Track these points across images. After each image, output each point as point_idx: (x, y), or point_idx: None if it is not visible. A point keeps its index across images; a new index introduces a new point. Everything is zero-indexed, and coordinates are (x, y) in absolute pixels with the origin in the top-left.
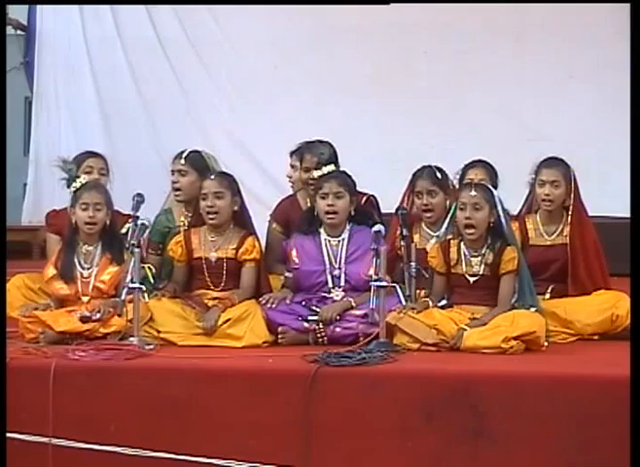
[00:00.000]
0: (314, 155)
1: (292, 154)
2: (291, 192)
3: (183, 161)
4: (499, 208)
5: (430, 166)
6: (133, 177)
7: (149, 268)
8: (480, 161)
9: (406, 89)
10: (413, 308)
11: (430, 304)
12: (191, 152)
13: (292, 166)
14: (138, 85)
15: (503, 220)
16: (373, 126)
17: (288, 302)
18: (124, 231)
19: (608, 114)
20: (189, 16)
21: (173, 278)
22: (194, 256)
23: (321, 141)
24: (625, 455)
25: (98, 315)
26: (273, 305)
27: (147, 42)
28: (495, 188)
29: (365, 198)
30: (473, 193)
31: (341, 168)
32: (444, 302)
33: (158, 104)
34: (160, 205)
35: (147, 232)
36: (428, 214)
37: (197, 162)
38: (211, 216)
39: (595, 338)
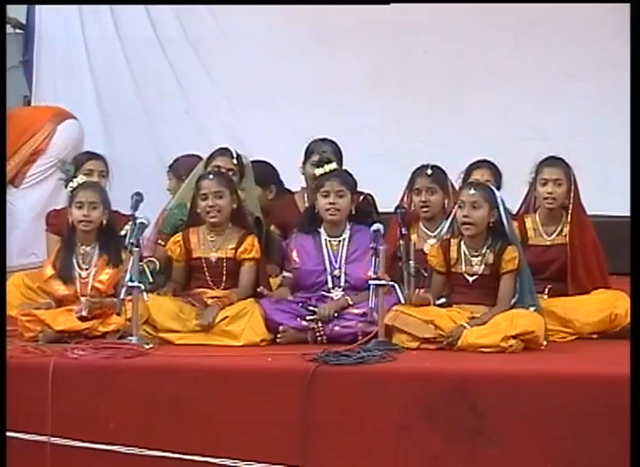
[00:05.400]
0: (317, 153)
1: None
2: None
3: (236, 161)
4: (500, 208)
5: (429, 165)
6: (132, 176)
7: (150, 262)
8: (484, 161)
9: (405, 88)
10: (411, 302)
11: (430, 298)
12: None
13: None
14: (137, 84)
15: (505, 220)
16: (372, 125)
17: (290, 297)
18: (123, 232)
19: (607, 113)
20: (188, 15)
21: (172, 278)
22: (192, 256)
23: (325, 139)
24: (625, 454)
25: (84, 313)
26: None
27: (146, 41)
28: (499, 188)
29: (362, 197)
30: (472, 191)
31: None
32: (442, 299)
33: (157, 103)
34: (160, 204)
35: (145, 231)
36: (425, 209)
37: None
38: (212, 215)
39: (594, 337)
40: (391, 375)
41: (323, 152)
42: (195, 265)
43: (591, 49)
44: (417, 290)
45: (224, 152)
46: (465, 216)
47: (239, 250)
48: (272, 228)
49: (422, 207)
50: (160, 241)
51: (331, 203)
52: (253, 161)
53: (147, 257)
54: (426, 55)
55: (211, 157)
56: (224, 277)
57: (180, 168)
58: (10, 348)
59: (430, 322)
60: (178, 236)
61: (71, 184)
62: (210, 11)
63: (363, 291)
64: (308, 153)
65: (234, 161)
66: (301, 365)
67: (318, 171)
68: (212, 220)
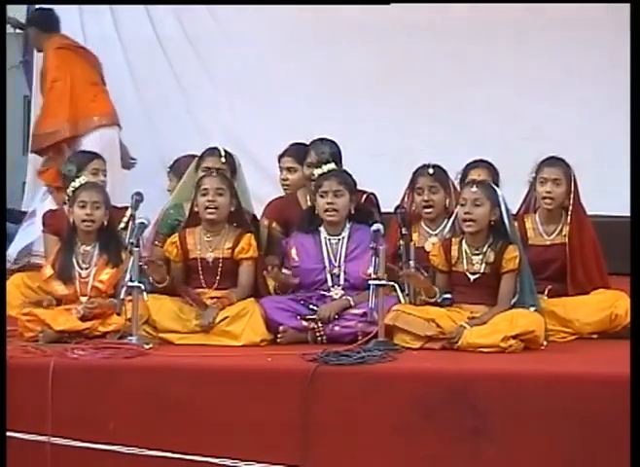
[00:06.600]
0: (315, 152)
1: (282, 156)
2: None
3: (224, 160)
4: (502, 207)
5: (430, 164)
6: (132, 176)
7: (150, 262)
8: (482, 160)
9: (405, 88)
10: (415, 301)
11: (437, 290)
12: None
13: (288, 169)
14: (137, 84)
15: (506, 219)
16: (372, 125)
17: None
18: (122, 225)
19: (606, 113)
20: (188, 15)
21: (172, 277)
22: (189, 256)
23: (324, 139)
24: (624, 454)
25: (81, 312)
26: (282, 277)
27: (146, 41)
28: None
29: (365, 196)
30: (474, 189)
31: (342, 167)
32: (448, 295)
33: (156, 103)
34: (160, 204)
35: (145, 230)
36: (428, 210)
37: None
38: (210, 211)
39: (594, 337)
40: (391, 375)
41: (322, 153)
42: (191, 265)
43: (591, 49)
44: (417, 290)
45: (212, 152)
46: (466, 213)
47: (237, 249)
48: (274, 225)
49: (425, 207)
50: (156, 242)
51: (329, 203)
52: (297, 143)
53: (145, 257)
54: (426, 55)
55: (201, 157)
56: (217, 277)
57: (181, 168)
58: (10, 348)
59: (431, 320)
60: (175, 237)
61: (73, 184)
62: (210, 11)
63: (362, 289)
64: (306, 153)
65: (222, 160)
66: (301, 365)
67: (317, 171)
68: (210, 216)
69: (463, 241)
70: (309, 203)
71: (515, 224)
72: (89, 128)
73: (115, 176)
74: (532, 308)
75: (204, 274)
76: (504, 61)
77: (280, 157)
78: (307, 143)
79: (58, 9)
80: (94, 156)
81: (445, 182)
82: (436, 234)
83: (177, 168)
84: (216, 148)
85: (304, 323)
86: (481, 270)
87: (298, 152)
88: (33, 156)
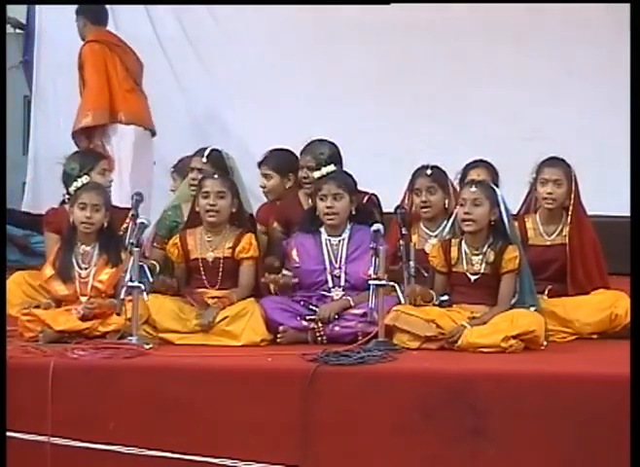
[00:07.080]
0: (312, 154)
1: (260, 164)
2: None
3: (205, 160)
4: (501, 207)
5: (428, 165)
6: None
7: (152, 264)
8: (481, 160)
9: (405, 88)
10: (415, 301)
11: (434, 294)
12: (212, 150)
13: (265, 175)
14: None
15: (505, 219)
16: (372, 126)
17: (295, 280)
18: (124, 226)
19: (606, 113)
20: (188, 15)
21: (175, 276)
22: (190, 257)
23: (322, 140)
24: (624, 454)
25: (81, 313)
26: (280, 281)
27: (146, 41)
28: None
29: (366, 198)
30: (473, 189)
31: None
32: (445, 296)
33: (156, 103)
34: (161, 204)
35: (145, 231)
36: (425, 210)
37: (219, 162)
38: (211, 214)
39: (594, 337)
40: (391, 375)
41: (320, 154)
42: (192, 265)
43: (591, 48)
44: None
45: (198, 152)
46: (466, 213)
47: (237, 249)
48: (275, 225)
49: (423, 207)
50: (154, 244)
51: (328, 207)
52: (275, 149)
53: (145, 258)
54: (426, 55)
55: (192, 157)
56: (219, 277)
57: (185, 169)
58: (10, 348)
59: (431, 321)
60: (176, 238)
61: (75, 184)
62: (210, 11)
63: (363, 290)
64: (303, 154)
65: (204, 160)
66: (301, 365)
67: (316, 174)
68: (211, 219)
69: (463, 242)
70: (311, 203)
71: (516, 224)
72: (100, 123)
73: (122, 176)
74: (532, 308)
75: (206, 274)
76: (504, 61)
77: (259, 164)
78: (287, 149)
79: (57, 9)
80: (100, 156)
81: (444, 182)
82: (435, 236)
83: (181, 168)
84: (204, 148)
85: (304, 323)
86: (481, 271)
87: (275, 159)
88: (33, 156)
